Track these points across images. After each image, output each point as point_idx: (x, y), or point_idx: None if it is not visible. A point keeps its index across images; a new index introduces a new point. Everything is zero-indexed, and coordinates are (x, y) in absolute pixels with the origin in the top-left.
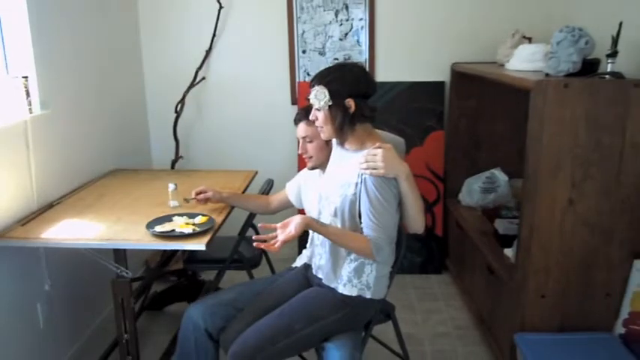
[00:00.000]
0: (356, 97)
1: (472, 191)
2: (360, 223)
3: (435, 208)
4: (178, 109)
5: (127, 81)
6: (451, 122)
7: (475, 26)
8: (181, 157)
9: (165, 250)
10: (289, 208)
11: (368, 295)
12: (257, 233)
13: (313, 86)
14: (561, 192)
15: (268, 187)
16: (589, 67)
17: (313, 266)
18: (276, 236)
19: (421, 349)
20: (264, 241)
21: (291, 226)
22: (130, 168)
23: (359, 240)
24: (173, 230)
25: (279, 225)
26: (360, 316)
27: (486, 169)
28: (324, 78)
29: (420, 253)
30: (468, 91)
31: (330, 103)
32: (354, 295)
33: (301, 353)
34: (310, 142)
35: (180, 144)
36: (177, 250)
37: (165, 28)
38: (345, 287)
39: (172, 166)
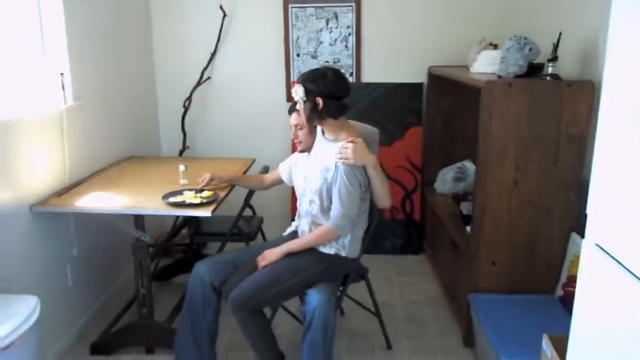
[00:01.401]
0: (326, 97)
1: (445, 180)
2: None
3: (414, 196)
4: (186, 104)
5: (141, 80)
6: (428, 119)
7: (449, 34)
8: (188, 147)
9: (174, 223)
10: (280, 184)
11: (343, 254)
12: (254, 213)
13: (295, 83)
14: (507, 174)
15: (264, 172)
16: (534, 70)
17: (299, 232)
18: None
19: (394, 313)
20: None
21: (271, 256)
22: (143, 155)
23: (323, 235)
24: (184, 201)
25: (259, 258)
26: (337, 270)
27: (459, 160)
28: (303, 78)
29: (400, 236)
30: (443, 91)
31: (305, 99)
32: (332, 253)
33: (287, 300)
34: (301, 129)
35: (187, 135)
36: (184, 225)
37: (175, 34)
38: (325, 247)
39: (180, 155)
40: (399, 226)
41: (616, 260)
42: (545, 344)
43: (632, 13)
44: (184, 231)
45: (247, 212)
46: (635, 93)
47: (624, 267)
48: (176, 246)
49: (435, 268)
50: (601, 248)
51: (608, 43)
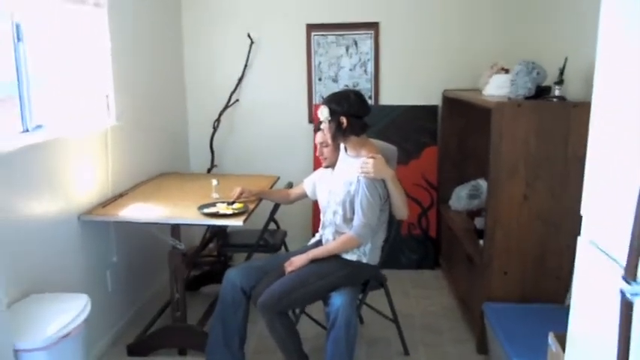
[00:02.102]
0: (349, 116)
1: (460, 198)
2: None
3: (430, 213)
4: (215, 125)
5: (173, 102)
6: (443, 139)
7: (463, 59)
8: (216, 165)
9: (203, 236)
10: (304, 199)
11: (364, 261)
12: (278, 227)
13: (320, 105)
14: (517, 190)
15: (289, 187)
16: (541, 92)
17: (323, 241)
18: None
19: (412, 322)
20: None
21: (297, 262)
22: (174, 172)
23: (346, 243)
24: (218, 212)
25: (287, 264)
26: (358, 275)
27: (473, 178)
28: (328, 100)
29: (416, 251)
30: (457, 113)
31: (330, 119)
32: (354, 259)
33: (312, 302)
34: (326, 146)
35: (214, 154)
36: (213, 237)
37: (205, 59)
38: (347, 254)
39: (208, 172)
40: (415, 242)
41: (609, 256)
42: (551, 340)
43: (615, 38)
44: (211, 245)
45: (272, 226)
46: (617, 102)
47: (617, 262)
48: (204, 257)
49: (451, 283)
50: (596, 245)
51: (596, 65)
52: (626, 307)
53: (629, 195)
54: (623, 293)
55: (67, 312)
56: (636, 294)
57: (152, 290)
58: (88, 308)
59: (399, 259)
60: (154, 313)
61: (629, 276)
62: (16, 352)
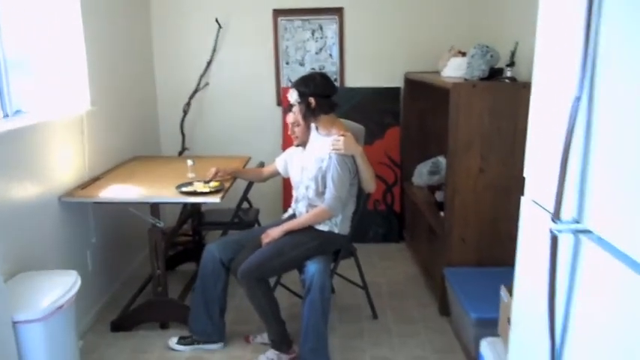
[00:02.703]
0: (317, 96)
1: (421, 174)
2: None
3: (394, 189)
4: (185, 109)
5: (144, 87)
6: (405, 120)
7: (423, 43)
8: (187, 148)
9: (179, 217)
10: (276, 177)
11: (336, 231)
12: (250, 205)
13: (290, 88)
14: (473, 162)
15: (261, 166)
16: (494, 74)
17: (297, 214)
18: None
19: (379, 290)
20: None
21: (273, 234)
22: (147, 155)
23: (318, 215)
24: (195, 190)
25: (263, 236)
26: (330, 244)
27: (433, 156)
28: (296, 83)
29: (382, 226)
30: (417, 95)
31: (299, 100)
32: (326, 230)
33: (288, 270)
34: (297, 126)
35: (185, 137)
36: (188, 217)
37: (174, 45)
38: (320, 225)
39: (179, 155)
40: (381, 217)
41: (544, 209)
42: (502, 293)
43: (551, 25)
44: (185, 226)
45: (244, 205)
46: (550, 82)
47: (549, 212)
48: (180, 236)
49: (414, 253)
50: (535, 202)
51: (536, 48)
52: (553, 242)
53: (558, 156)
54: (551, 231)
55: (59, 286)
56: (560, 230)
57: (131, 269)
58: (79, 283)
59: (366, 233)
60: (134, 290)
61: (555, 217)
62: (14, 323)
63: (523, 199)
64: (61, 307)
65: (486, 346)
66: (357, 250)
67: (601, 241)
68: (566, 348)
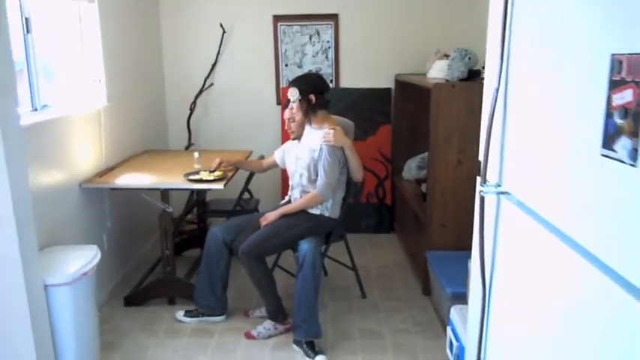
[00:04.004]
0: (316, 93)
1: (410, 168)
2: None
3: (385, 183)
4: (191, 107)
5: (154, 87)
6: (395, 118)
7: (412, 46)
8: (193, 143)
9: (186, 205)
10: (274, 168)
11: (327, 214)
12: (251, 196)
13: (290, 87)
14: (452, 155)
15: (261, 159)
16: (473, 75)
17: (292, 200)
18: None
19: (368, 273)
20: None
21: (271, 217)
22: (157, 149)
23: (311, 199)
24: (201, 178)
25: (262, 219)
26: (322, 226)
27: (421, 152)
28: (296, 82)
29: (374, 217)
30: (407, 95)
31: (300, 98)
32: (317, 213)
33: (284, 249)
34: (293, 121)
35: (191, 133)
36: (194, 205)
37: (181, 49)
38: (312, 209)
39: (186, 150)
40: (372, 209)
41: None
42: (469, 265)
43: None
44: (190, 216)
45: (246, 196)
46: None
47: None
48: (186, 223)
49: (403, 242)
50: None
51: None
52: (481, 201)
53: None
54: (479, 193)
55: (83, 257)
56: (486, 192)
57: (142, 252)
58: (99, 255)
59: (359, 224)
60: (145, 270)
61: (482, 181)
62: (46, 287)
63: (479, 179)
64: (85, 273)
65: (454, 313)
66: (350, 241)
67: (516, 201)
68: (493, 293)
